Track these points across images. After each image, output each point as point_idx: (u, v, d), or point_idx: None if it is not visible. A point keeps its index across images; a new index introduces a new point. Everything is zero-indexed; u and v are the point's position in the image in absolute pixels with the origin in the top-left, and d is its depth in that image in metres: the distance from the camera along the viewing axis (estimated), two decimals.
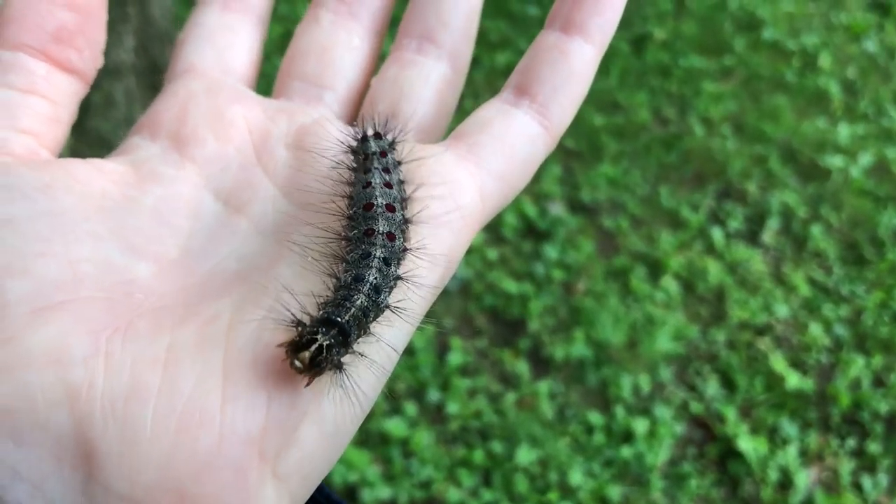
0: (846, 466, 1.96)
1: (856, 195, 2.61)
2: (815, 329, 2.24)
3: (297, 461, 0.36)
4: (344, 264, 0.41)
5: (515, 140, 0.45)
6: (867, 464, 1.98)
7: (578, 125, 2.77)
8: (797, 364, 2.17)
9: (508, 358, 2.10)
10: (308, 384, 0.36)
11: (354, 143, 0.46)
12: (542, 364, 2.11)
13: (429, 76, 0.47)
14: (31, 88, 0.42)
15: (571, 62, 0.46)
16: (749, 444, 1.97)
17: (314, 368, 0.35)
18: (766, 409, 2.05)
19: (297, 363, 0.35)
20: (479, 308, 2.21)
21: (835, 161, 2.71)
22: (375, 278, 0.40)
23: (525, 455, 1.90)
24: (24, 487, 0.33)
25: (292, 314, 0.36)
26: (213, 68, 0.49)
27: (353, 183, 0.45)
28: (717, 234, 2.46)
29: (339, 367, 0.36)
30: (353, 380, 0.37)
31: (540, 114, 0.46)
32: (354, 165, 0.45)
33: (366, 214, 0.43)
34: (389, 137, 0.46)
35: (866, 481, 1.94)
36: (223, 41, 0.49)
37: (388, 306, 0.40)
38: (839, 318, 2.28)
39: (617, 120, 2.82)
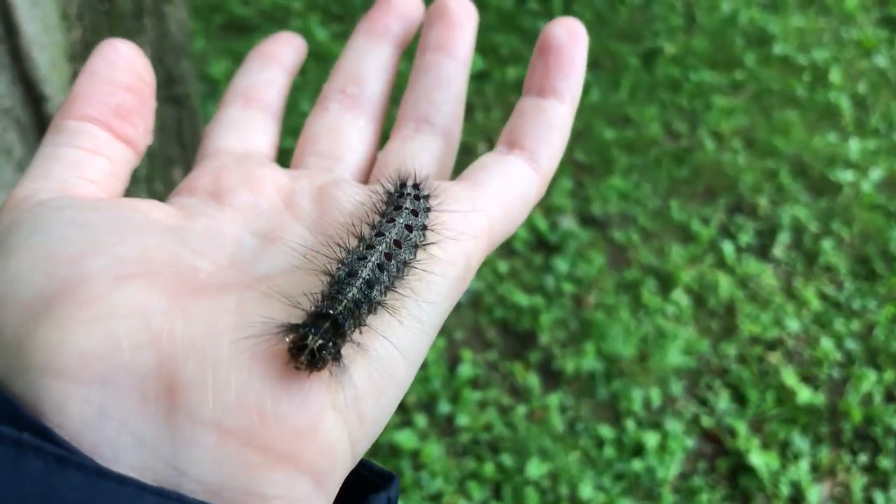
0: (858, 482, 1.95)
1: (867, 210, 2.60)
2: (827, 343, 2.23)
3: (353, 398, 0.39)
4: (341, 266, 0.44)
5: (513, 177, 0.52)
6: (879, 479, 1.97)
7: (589, 139, 2.78)
8: (808, 379, 2.16)
9: (519, 371, 2.10)
10: (309, 375, 0.39)
11: (393, 189, 0.50)
12: (552, 377, 2.11)
13: (429, 147, 0.55)
14: (95, 150, 0.49)
15: (550, 118, 0.54)
16: (760, 459, 1.96)
17: (316, 366, 0.38)
18: (778, 424, 2.05)
19: (300, 365, 0.38)
20: (489, 320, 2.21)
21: (845, 176, 2.71)
22: (369, 274, 0.43)
23: (535, 468, 1.90)
24: (111, 425, 0.36)
25: (281, 322, 0.39)
26: (239, 148, 0.56)
27: (381, 216, 0.49)
28: (727, 248, 2.46)
29: (337, 359, 0.38)
30: (349, 371, 0.39)
31: (530, 160, 0.53)
32: (384, 209, 0.49)
33: (375, 238, 0.46)
34: (425, 191, 0.51)
35: (879, 497, 1.93)
36: (245, 129, 0.57)
37: (380, 303, 0.42)
38: (850, 333, 2.27)
39: (627, 134, 2.83)
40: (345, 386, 0.39)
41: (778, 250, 2.47)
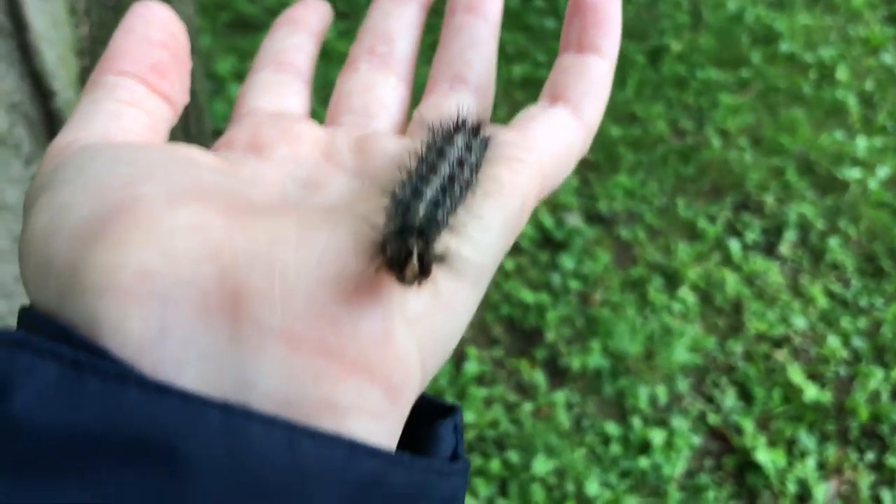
0: (865, 480, 1.95)
1: (874, 207, 2.60)
2: (833, 341, 2.23)
3: (416, 311, 0.38)
4: (405, 186, 0.40)
5: (559, 127, 0.51)
6: (886, 477, 1.97)
7: (595, 136, 2.77)
8: (815, 376, 2.16)
9: (525, 368, 2.10)
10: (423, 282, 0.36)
11: (443, 129, 0.47)
12: (558, 374, 2.11)
13: (466, 103, 0.53)
14: (133, 102, 0.48)
15: (592, 73, 0.53)
16: (767, 457, 1.96)
17: (425, 274, 0.35)
18: (784, 422, 2.04)
19: (409, 278, 0.34)
20: (495, 318, 2.21)
21: (852, 173, 2.70)
22: (435, 194, 0.39)
23: (541, 465, 1.90)
24: (173, 342, 0.34)
25: (373, 238, 0.36)
26: (273, 109, 0.54)
27: (431, 151, 0.44)
28: (734, 245, 2.45)
29: (442, 259, 0.35)
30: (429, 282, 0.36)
31: (574, 113, 0.52)
32: (434, 144, 0.46)
33: (436, 161, 0.42)
34: (484, 133, 0.48)
35: (886, 495, 1.93)
36: (278, 91, 0.56)
37: (447, 224, 0.39)
38: (857, 331, 2.27)
39: (634, 131, 2.82)
40: (414, 298, 0.37)
41: (784, 248, 2.47)
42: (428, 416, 0.43)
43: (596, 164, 2.70)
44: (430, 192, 0.39)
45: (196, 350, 0.35)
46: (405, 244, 0.35)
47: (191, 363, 0.34)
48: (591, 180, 2.64)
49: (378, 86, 0.55)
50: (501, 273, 2.32)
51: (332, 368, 0.35)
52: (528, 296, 2.25)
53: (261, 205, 0.41)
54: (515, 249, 2.38)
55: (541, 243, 2.43)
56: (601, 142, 2.77)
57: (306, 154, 0.49)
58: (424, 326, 0.38)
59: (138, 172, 0.41)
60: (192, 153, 0.45)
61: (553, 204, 2.53)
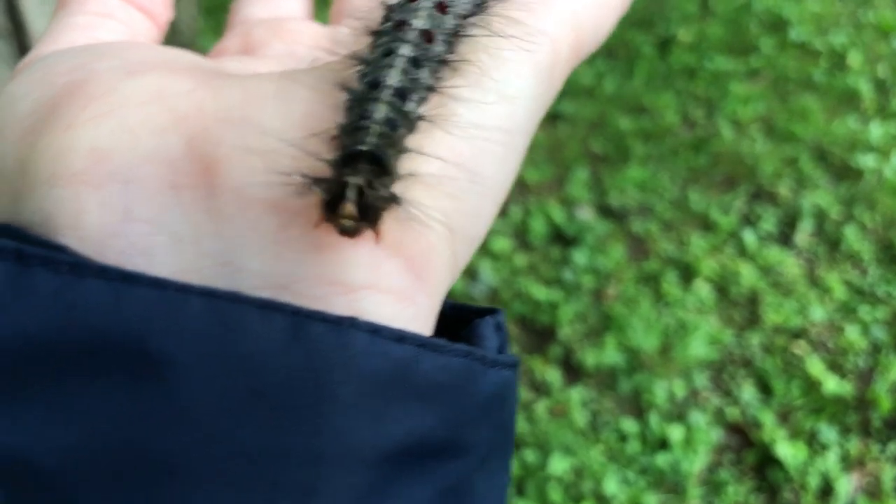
0: (888, 472, 1.91)
1: (889, 195, 2.56)
2: (852, 332, 2.19)
3: (435, 175, 0.31)
4: (360, 67, 0.32)
5: None
6: None
7: (605, 129, 2.75)
8: (835, 368, 2.12)
9: (539, 365, 2.08)
10: (378, 239, 0.29)
11: None
12: (573, 371, 2.08)
13: None
14: (106, 14, 0.41)
15: None
16: (787, 451, 1.92)
17: (369, 219, 0.27)
18: (805, 415, 2.01)
19: (347, 223, 0.27)
20: (507, 315, 2.18)
21: (867, 161, 2.66)
22: (399, 81, 0.31)
23: (558, 463, 1.87)
24: (139, 227, 0.29)
25: (303, 175, 0.28)
26: (267, 15, 0.49)
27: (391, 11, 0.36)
28: (749, 236, 2.42)
29: (395, 200, 0.28)
30: (420, 206, 0.29)
31: None
32: None
33: (405, 6, 0.33)
34: None
35: None
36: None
37: (420, 117, 0.31)
38: (876, 321, 2.23)
39: (643, 123, 2.79)
40: (428, 158, 0.30)
41: (800, 238, 2.43)
42: (465, 320, 0.36)
43: (606, 157, 2.67)
44: (385, 93, 0.30)
45: (167, 233, 0.29)
46: (338, 180, 0.27)
47: (162, 249, 0.29)
48: (601, 173, 2.60)
49: None
50: (512, 270, 2.29)
51: (336, 238, 0.28)
52: (540, 292, 2.22)
53: (238, 74, 0.35)
54: (526, 246, 2.35)
55: (552, 239, 2.40)
56: (610, 134, 2.74)
57: (305, 51, 0.43)
58: (448, 192, 0.31)
59: (93, 55, 0.35)
60: (165, 47, 0.39)
61: (563, 199, 2.50)
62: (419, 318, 0.31)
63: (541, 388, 2.04)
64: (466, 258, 0.33)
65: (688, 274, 2.31)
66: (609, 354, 2.09)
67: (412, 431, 0.29)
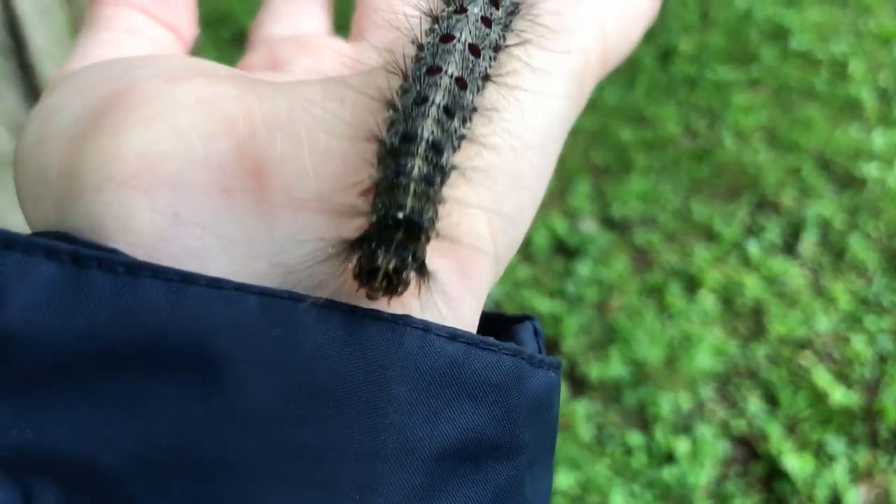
0: None
1: (894, 203, 2.55)
2: (858, 342, 2.17)
3: (478, 175, 0.33)
4: (391, 113, 0.32)
5: None
6: None
7: (606, 140, 2.74)
8: (841, 378, 2.11)
9: None
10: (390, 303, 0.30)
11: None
12: (577, 384, 2.07)
13: None
14: (134, 30, 0.42)
15: None
16: (795, 463, 1.91)
17: (396, 292, 0.29)
18: (811, 426, 1.99)
19: (375, 295, 0.29)
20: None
21: (870, 169, 2.65)
22: (432, 133, 0.31)
23: (564, 478, 1.86)
24: (191, 230, 0.29)
25: (337, 243, 0.29)
26: (288, 34, 0.50)
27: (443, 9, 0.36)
28: (752, 247, 2.41)
29: (423, 273, 0.29)
30: (439, 281, 0.30)
31: None
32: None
33: (441, 47, 0.33)
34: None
35: None
36: (296, 17, 0.51)
37: (454, 167, 0.31)
38: (882, 330, 2.21)
39: (645, 134, 2.79)
40: (474, 157, 0.31)
41: (804, 248, 2.42)
42: (500, 329, 0.37)
43: (608, 169, 2.66)
44: (420, 148, 0.30)
45: (219, 236, 0.30)
46: (372, 259, 0.28)
47: (215, 252, 0.29)
48: (603, 185, 2.60)
49: None
50: (515, 283, 2.28)
51: None
52: (543, 305, 2.21)
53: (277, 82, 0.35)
54: (529, 258, 2.34)
55: (554, 251, 2.39)
56: (612, 146, 2.73)
57: (330, 68, 0.44)
58: (491, 194, 0.32)
59: (132, 65, 0.36)
60: (197, 58, 0.40)
61: (566, 210, 2.49)
62: (465, 317, 0.32)
63: None
64: (507, 260, 0.34)
65: (692, 285, 2.30)
66: (613, 367, 2.07)
67: (466, 430, 0.30)
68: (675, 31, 3.25)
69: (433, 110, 0.31)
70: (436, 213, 0.30)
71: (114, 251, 0.29)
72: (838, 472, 1.90)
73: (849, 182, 2.63)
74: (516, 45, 0.35)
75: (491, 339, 0.31)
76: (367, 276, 0.29)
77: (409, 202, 0.29)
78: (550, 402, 0.35)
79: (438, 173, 0.30)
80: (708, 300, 2.26)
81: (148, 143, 0.31)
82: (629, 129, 2.80)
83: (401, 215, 0.29)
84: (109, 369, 0.27)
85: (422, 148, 0.30)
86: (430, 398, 0.29)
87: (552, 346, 2.14)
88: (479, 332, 0.34)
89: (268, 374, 0.28)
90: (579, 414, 1.98)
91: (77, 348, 0.27)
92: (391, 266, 0.28)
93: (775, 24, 3.31)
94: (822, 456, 1.95)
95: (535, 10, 0.36)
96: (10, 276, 0.28)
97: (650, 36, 3.31)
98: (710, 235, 2.45)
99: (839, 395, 2.04)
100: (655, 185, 2.59)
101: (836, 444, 1.96)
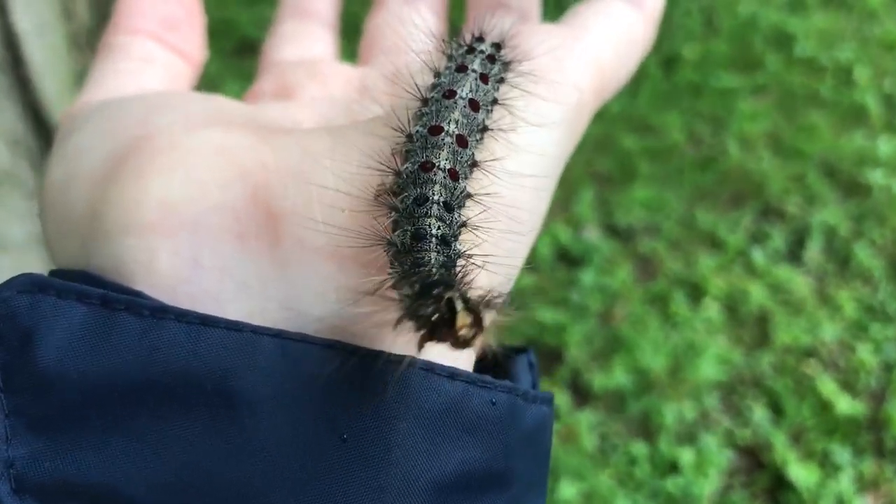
0: None
1: None
2: (864, 350, 2.16)
3: (475, 219, 0.35)
4: (400, 191, 0.34)
5: (617, 16, 0.45)
6: None
7: (610, 148, 2.74)
8: (847, 387, 2.09)
9: (546, 388, 2.06)
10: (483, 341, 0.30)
11: (450, 48, 0.40)
12: (581, 394, 2.06)
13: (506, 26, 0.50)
14: (148, 59, 0.46)
15: None
16: (800, 472, 1.90)
17: (481, 324, 0.28)
18: (817, 435, 1.98)
19: (466, 332, 0.28)
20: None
21: (876, 176, 2.64)
22: (441, 193, 0.33)
23: (567, 489, 1.85)
24: (209, 274, 0.31)
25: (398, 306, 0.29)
26: (297, 58, 0.53)
27: (438, 77, 0.38)
28: (757, 255, 2.40)
29: (494, 305, 0.29)
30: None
31: (632, 1, 0.47)
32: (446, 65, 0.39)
33: (430, 139, 0.35)
34: (495, 37, 0.40)
35: None
36: (303, 40, 0.54)
37: (464, 224, 0.33)
38: (888, 339, 2.20)
39: (649, 142, 2.78)
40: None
41: (809, 255, 2.41)
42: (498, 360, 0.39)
43: (611, 177, 2.66)
44: (432, 210, 0.32)
45: (235, 280, 0.32)
46: (437, 303, 0.28)
47: (231, 295, 0.31)
48: (607, 193, 2.59)
49: (409, 20, 0.52)
50: (518, 291, 2.28)
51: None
52: (546, 314, 2.21)
53: (290, 127, 0.38)
54: (531, 268, 2.34)
55: (558, 259, 2.38)
56: (616, 154, 2.73)
57: (339, 93, 0.46)
58: (488, 236, 0.34)
59: (152, 107, 0.38)
60: (211, 95, 0.42)
61: (569, 219, 2.49)
62: (463, 355, 0.34)
63: None
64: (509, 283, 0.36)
65: (696, 293, 2.29)
66: (617, 376, 2.07)
67: (464, 463, 0.32)
68: (678, 39, 3.25)
69: (440, 176, 0.34)
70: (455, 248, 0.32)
71: (139, 294, 0.31)
72: (844, 482, 1.89)
73: (854, 189, 2.61)
74: (512, 99, 0.37)
75: (488, 378, 0.33)
76: (448, 325, 0.28)
77: (440, 258, 0.31)
78: (543, 435, 0.37)
79: (455, 229, 0.33)
80: (712, 308, 2.25)
81: (169, 190, 0.33)
82: (633, 137, 2.80)
83: (436, 277, 0.30)
84: (136, 405, 0.29)
85: (435, 210, 0.33)
86: (431, 434, 0.31)
87: (556, 355, 2.13)
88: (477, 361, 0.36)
89: (283, 410, 0.29)
90: (583, 424, 1.98)
91: (105, 385, 0.29)
92: (457, 293, 0.28)
93: (780, 30, 3.31)
94: (827, 466, 1.94)
95: (530, 57, 0.39)
96: (46, 318, 0.30)
97: (654, 44, 3.29)
98: (714, 243, 2.44)
99: (845, 405, 2.03)
100: (659, 193, 2.59)
101: (841, 454, 1.95)
